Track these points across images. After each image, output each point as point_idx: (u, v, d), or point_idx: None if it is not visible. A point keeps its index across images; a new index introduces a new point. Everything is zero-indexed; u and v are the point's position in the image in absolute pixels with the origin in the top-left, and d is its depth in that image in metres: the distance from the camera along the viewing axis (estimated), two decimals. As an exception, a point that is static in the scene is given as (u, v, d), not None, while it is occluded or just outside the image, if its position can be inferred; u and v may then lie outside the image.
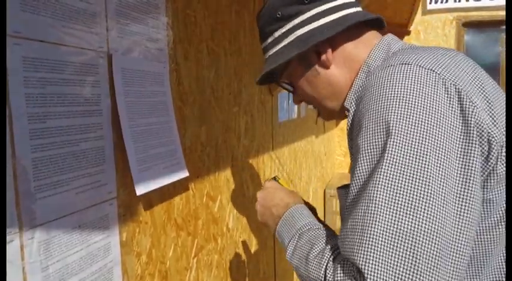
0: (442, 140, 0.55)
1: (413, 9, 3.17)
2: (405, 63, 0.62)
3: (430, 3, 3.73)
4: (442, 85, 0.58)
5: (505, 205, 0.61)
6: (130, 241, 0.90)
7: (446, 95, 0.58)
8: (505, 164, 0.59)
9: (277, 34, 0.79)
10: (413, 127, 0.55)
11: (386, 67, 0.64)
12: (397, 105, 0.57)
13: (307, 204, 0.96)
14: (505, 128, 0.59)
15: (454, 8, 3.70)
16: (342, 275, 0.58)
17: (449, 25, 3.74)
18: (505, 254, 0.63)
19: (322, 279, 0.62)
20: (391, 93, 0.59)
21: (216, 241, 1.35)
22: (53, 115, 0.69)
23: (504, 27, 3.59)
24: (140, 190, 0.87)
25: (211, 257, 1.31)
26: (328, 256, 0.64)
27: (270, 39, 0.81)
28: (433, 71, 0.60)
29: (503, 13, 3.54)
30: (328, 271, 0.62)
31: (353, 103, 0.71)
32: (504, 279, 0.63)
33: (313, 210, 0.96)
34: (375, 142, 0.58)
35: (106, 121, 0.81)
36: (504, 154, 0.58)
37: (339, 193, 0.78)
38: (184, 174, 1.05)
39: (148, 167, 0.90)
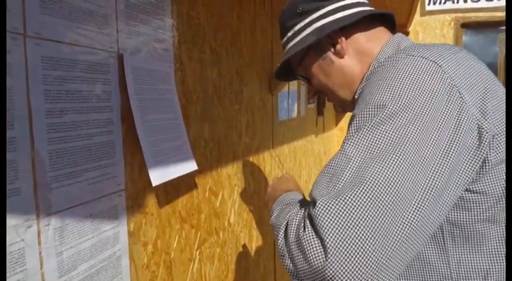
0: (425, 119, 0.59)
1: (411, 10, 3.22)
2: (410, 55, 0.67)
3: (429, 4, 3.78)
4: (439, 75, 0.63)
5: (504, 184, 0.65)
6: (138, 231, 0.95)
7: (440, 85, 0.62)
8: (497, 153, 0.63)
9: (297, 27, 0.86)
10: (404, 105, 0.60)
11: (393, 60, 0.69)
12: (393, 86, 0.63)
13: None
14: (499, 121, 0.63)
15: (452, 9, 3.75)
16: (300, 214, 0.63)
17: (448, 26, 3.79)
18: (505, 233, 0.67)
19: (285, 223, 0.66)
20: (390, 77, 0.64)
21: (218, 234, 1.40)
22: (68, 110, 0.73)
23: (502, 27, 3.63)
24: (155, 181, 0.92)
25: (213, 250, 1.36)
26: (298, 208, 0.69)
27: (290, 33, 0.88)
28: (435, 62, 0.65)
29: (501, 14, 3.59)
30: (290, 215, 0.66)
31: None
32: (504, 254, 0.66)
33: None
34: (367, 114, 0.62)
35: (116, 117, 0.86)
36: (496, 143, 0.62)
37: None
38: (194, 167, 1.11)
39: (162, 160, 0.96)
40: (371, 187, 0.54)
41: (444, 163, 0.58)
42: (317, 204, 0.56)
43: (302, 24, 0.85)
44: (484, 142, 0.62)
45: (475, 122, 0.61)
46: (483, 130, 0.62)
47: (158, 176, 0.94)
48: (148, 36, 0.97)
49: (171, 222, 1.09)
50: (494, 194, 0.65)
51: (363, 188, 0.55)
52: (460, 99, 0.62)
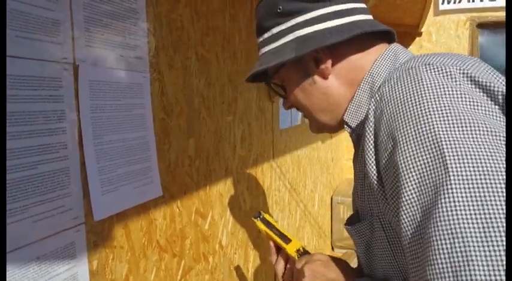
0: (498, 144, 0.45)
1: (424, 10, 3.05)
2: (429, 64, 0.53)
3: (443, 3, 3.60)
4: (476, 86, 0.50)
5: None
6: (102, 269, 0.82)
7: (483, 94, 0.49)
8: None
9: (275, 30, 0.70)
10: (467, 133, 0.46)
11: (407, 69, 0.54)
12: (439, 110, 0.48)
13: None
14: None
15: (468, 9, 3.56)
16: None
17: (463, 26, 3.60)
18: None
19: None
20: (426, 97, 0.50)
21: (207, 260, 1.26)
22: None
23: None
24: (100, 214, 0.79)
25: (201, 278, 1.23)
26: None
27: (266, 35, 0.72)
28: (461, 70, 0.52)
29: (519, 13, 3.38)
30: None
31: (357, 116, 0.64)
32: None
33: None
34: (425, 157, 0.47)
35: (71, 140, 0.73)
36: None
37: (351, 231, 0.67)
38: (158, 193, 0.97)
39: (114, 189, 0.82)
40: None
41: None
42: None
43: (282, 27, 0.69)
44: None
45: None
46: None
47: (105, 208, 0.81)
48: (115, 43, 0.84)
49: (146, 254, 0.96)
50: None
51: None
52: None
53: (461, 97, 0.48)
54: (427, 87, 0.50)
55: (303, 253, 0.82)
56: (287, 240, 0.85)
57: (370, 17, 0.69)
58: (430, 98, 0.49)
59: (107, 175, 0.81)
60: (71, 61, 0.73)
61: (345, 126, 0.69)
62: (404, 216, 0.47)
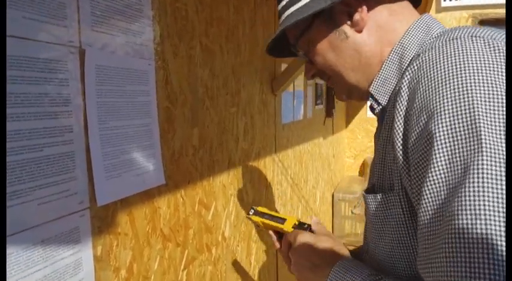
0: None
1: (426, 7, 3.04)
2: (476, 36, 0.51)
3: (445, 0, 3.59)
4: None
5: None
6: (107, 255, 0.82)
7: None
8: None
9: None
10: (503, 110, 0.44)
11: (452, 39, 0.52)
12: (481, 85, 0.46)
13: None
14: None
15: (470, 5, 3.55)
16: None
17: (465, 23, 3.59)
18: None
19: None
20: (469, 69, 0.48)
21: (210, 251, 1.26)
22: (10, 117, 0.61)
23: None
24: (103, 199, 0.78)
25: (204, 269, 1.23)
26: None
27: None
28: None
29: (521, 11, 3.38)
30: None
31: (385, 90, 0.63)
32: None
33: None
34: (459, 133, 0.45)
35: (76, 124, 0.73)
36: None
37: (367, 199, 0.65)
38: (161, 181, 0.97)
39: (118, 175, 0.82)
40: None
41: None
42: None
43: None
44: None
45: None
46: None
47: (109, 193, 0.80)
48: (121, 29, 0.84)
49: (150, 242, 0.95)
50: None
51: None
52: None
53: (502, 74, 0.46)
54: (473, 59, 0.48)
55: (298, 226, 0.82)
56: (282, 220, 0.84)
57: None
58: (474, 71, 0.47)
59: (111, 160, 0.80)
60: (77, 45, 0.73)
61: (370, 98, 0.67)
62: (428, 191, 0.46)
